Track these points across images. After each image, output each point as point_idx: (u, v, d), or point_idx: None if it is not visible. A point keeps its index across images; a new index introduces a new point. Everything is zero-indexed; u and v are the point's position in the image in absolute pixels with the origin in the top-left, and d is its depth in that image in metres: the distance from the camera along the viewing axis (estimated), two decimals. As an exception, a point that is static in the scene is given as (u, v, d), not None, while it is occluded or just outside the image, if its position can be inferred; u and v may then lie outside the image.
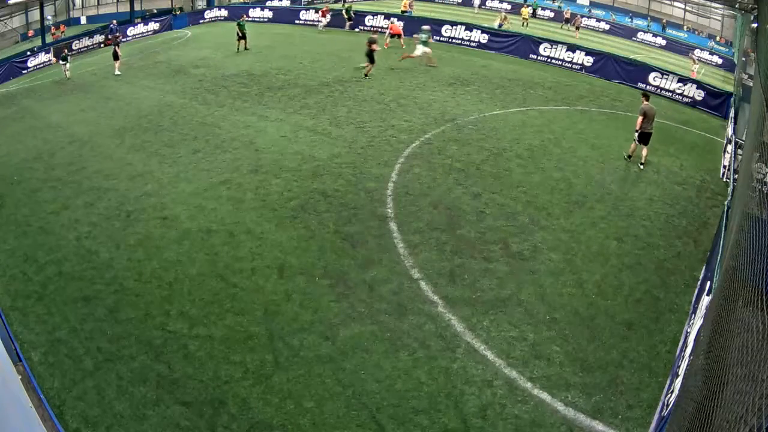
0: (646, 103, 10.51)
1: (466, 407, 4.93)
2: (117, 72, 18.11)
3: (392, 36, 20.72)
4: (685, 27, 36.21)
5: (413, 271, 6.92)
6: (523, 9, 32.23)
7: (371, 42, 16.00)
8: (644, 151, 10.51)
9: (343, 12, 24.74)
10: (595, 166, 10.52)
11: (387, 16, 23.75)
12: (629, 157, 10.73)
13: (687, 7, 37.47)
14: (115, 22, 25.90)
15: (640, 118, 10.38)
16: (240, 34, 20.32)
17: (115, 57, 18.47)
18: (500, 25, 25.42)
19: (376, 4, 32.45)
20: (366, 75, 16.17)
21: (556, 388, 5.16)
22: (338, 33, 23.97)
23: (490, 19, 28.00)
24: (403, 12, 24.18)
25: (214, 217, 8.24)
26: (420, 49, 17.32)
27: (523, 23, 29.55)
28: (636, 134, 10.52)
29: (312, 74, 16.65)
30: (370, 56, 15.98)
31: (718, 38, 34.90)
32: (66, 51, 19.32)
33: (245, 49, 20.32)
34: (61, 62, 18.87)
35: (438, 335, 5.81)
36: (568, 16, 33.95)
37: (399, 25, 21.88)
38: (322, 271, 6.91)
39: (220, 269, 6.97)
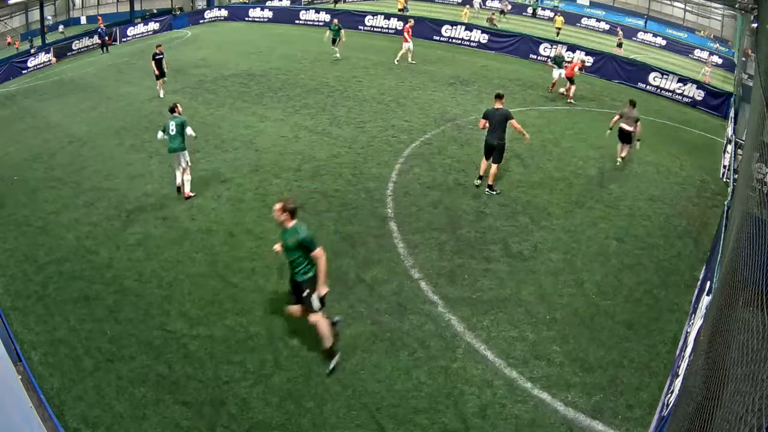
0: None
1: (466, 407, 4.93)
2: (161, 94, 14.84)
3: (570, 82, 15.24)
4: (703, 33, 35.85)
5: (413, 271, 6.92)
6: (556, 17, 29.08)
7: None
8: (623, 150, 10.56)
9: None
10: (595, 166, 10.52)
11: (387, 16, 23.69)
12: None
13: (687, 7, 37.44)
14: (103, 26, 24.53)
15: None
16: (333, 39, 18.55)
17: (161, 74, 14.77)
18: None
19: (375, 4, 32.42)
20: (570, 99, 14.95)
21: (556, 388, 5.16)
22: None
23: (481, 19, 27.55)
24: (400, 10, 23.67)
25: (214, 217, 8.24)
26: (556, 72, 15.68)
27: (558, 33, 26.27)
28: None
29: (312, 74, 16.65)
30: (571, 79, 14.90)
31: (725, 40, 34.62)
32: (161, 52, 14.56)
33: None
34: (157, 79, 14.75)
35: (438, 335, 5.81)
36: (620, 37, 27.31)
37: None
38: (322, 271, 6.89)
39: (220, 269, 6.96)
